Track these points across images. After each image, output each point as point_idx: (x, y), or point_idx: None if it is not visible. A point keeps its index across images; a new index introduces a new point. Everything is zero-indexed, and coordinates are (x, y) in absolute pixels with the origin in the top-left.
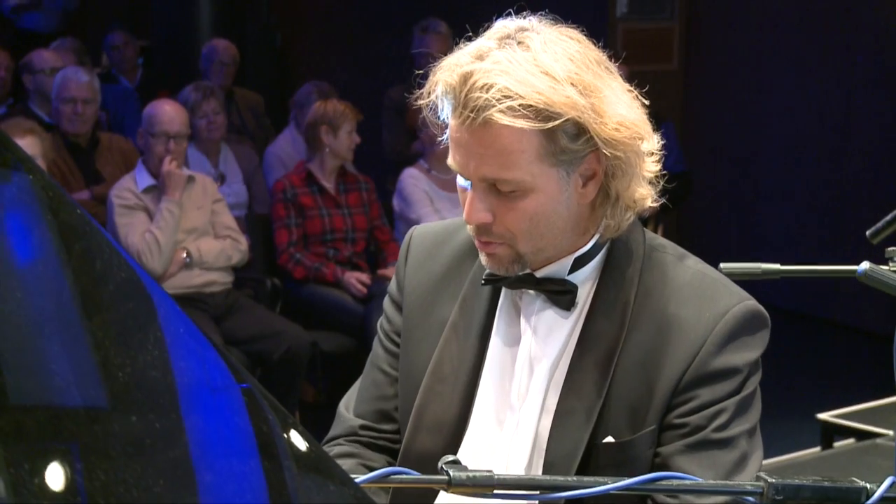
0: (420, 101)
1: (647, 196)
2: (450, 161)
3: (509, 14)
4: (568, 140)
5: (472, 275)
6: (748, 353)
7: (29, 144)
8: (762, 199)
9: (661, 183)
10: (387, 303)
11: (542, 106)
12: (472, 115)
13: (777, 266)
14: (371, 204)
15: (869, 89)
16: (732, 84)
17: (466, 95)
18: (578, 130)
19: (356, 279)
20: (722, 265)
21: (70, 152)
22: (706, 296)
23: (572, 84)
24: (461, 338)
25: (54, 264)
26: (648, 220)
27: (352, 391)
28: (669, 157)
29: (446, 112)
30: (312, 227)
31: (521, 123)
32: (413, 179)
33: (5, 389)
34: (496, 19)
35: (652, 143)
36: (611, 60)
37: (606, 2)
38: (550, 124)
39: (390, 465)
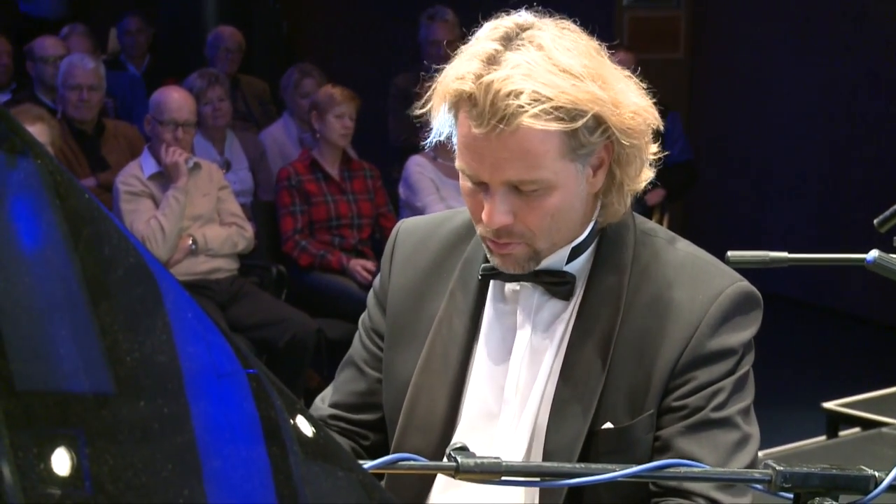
0: (420, 111)
1: (645, 179)
2: (460, 165)
3: (515, 5)
4: (588, 134)
5: (460, 268)
6: (742, 333)
7: (38, 132)
8: (768, 189)
9: (662, 169)
10: (370, 299)
11: (570, 106)
12: (500, 123)
13: (785, 254)
14: (376, 191)
15: (875, 79)
16: (738, 73)
17: (493, 104)
18: (597, 123)
19: (361, 266)
20: (730, 253)
21: (75, 139)
22: (699, 278)
23: (592, 79)
24: (449, 333)
25: (62, 250)
26: (653, 210)
27: (330, 386)
28: (675, 147)
29: (454, 118)
30: (318, 214)
31: (553, 126)
32: (419, 167)
33: (14, 375)
34: (502, 8)
35: (657, 125)
36: (617, 47)
37: None
38: (579, 122)
39: (355, 452)
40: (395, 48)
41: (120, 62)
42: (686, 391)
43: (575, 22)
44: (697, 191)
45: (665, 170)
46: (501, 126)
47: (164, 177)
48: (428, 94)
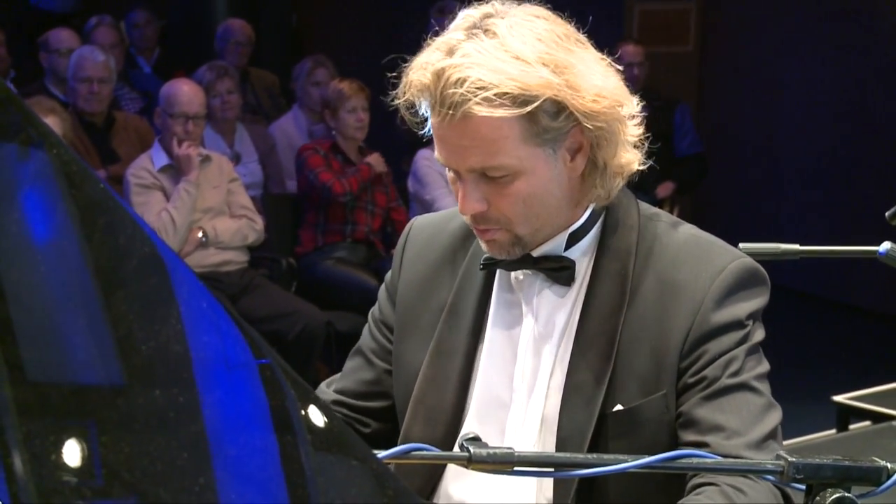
0: (396, 101)
1: (633, 161)
2: (436, 156)
3: None
4: (549, 119)
5: (468, 262)
6: (747, 303)
7: (51, 124)
8: (779, 182)
9: (672, 162)
10: (381, 292)
11: (517, 91)
12: (450, 111)
13: (796, 246)
14: (388, 184)
15: (886, 71)
16: (749, 66)
17: (442, 93)
18: (558, 108)
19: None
20: (741, 245)
21: (86, 131)
22: (701, 257)
23: (544, 64)
24: (457, 323)
25: (76, 240)
26: (664, 203)
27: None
28: (685, 140)
29: (424, 108)
30: (337, 186)
31: (499, 112)
32: (427, 161)
33: (27, 364)
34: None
35: (632, 106)
36: (625, 41)
37: None
38: (529, 108)
39: None
40: (404, 42)
41: (130, 55)
42: (700, 365)
43: (584, 17)
44: (707, 184)
45: (675, 163)
46: (450, 113)
47: (175, 169)
48: (401, 85)
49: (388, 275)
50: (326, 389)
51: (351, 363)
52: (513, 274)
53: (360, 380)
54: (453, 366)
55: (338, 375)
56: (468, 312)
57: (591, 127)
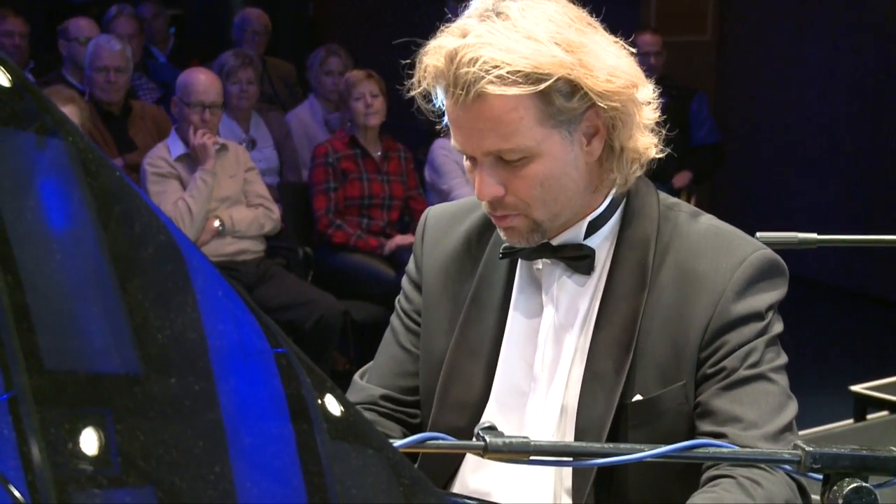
0: (412, 92)
1: (649, 146)
2: (453, 143)
3: None
4: (563, 99)
5: (489, 252)
6: (767, 295)
7: (69, 113)
8: (797, 171)
9: (689, 151)
10: (405, 282)
11: (530, 69)
12: (463, 91)
13: (814, 235)
14: (409, 173)
15: None
16: (766, 55)
17: (455, 73)
18: (572, 88)
19: (397, 245)
20: (758, 234)
21: (103, 120)
22: (722, 247)
23: (556, 43)
24: (480, 314)
25: (93, 227)
26: (681, 192)
27: (369, 366)
28: (702, 129)
29: (440, 97)
30: (351, 190)
31: (512, 90)
32: (444, 150)
33: (44, 352)
34: None
35: (647, 90)
36: (643, 29)
37: None
38: (542, 86)
39: (406, 437)
40: (421, 31)
41: (145, 46)
42: (719, 356)
43: (601, 5)
44: (724, 173)
45: (692, 152)
46: (463, 93)
47: (192, 158)
48: (416, 72)
49: (410, 264)
50: (366, 384)
51: (388, 356)
52: (534, 264)
53: (403, 372)
54: (478, 356)
55: (369, 366)
56: (491, 302)
57: (605, 107)
